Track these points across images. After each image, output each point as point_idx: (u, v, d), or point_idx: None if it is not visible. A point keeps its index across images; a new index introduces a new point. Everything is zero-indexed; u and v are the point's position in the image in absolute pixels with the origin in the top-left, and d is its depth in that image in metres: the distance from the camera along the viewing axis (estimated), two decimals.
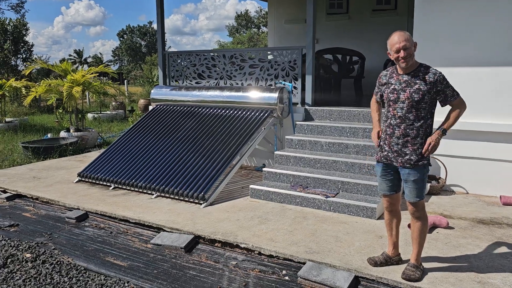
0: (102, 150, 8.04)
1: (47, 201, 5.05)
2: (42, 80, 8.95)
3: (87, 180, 5.69)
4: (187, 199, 4.80)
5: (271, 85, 6.30)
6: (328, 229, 3.90)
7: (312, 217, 4.24)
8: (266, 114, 5.70)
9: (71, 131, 8.97)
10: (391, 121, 3.00)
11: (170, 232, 4.01)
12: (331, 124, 5.51)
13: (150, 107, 7.55)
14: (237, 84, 6.62)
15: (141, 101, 16.27)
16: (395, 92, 2.97)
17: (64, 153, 7.87)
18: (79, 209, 4.71)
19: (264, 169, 5.10)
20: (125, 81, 22.92)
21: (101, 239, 4.03)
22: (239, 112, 5.94)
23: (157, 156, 5.56)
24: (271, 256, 3.49)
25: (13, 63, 19.63)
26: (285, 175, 4.96)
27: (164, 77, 7.38)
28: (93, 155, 7.72)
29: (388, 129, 3.02)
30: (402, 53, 2.88)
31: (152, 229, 4.16)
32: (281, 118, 5.85)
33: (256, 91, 5.87)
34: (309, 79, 5.93)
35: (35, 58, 17.79)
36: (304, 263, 3.31)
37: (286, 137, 5.52)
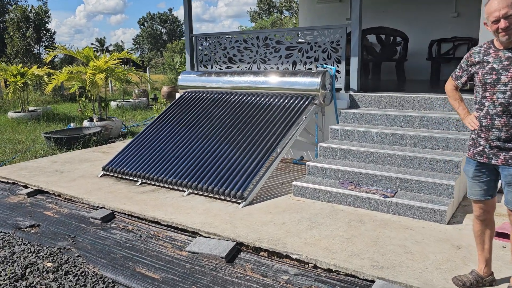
0: (127, 141, 7.61)
1: (70, 198, 4.62)
2: (64, 68, 8.55)
3: (112, 174, 5.25)
4: (223, 197, 4.29)
5: (310, 69, 5.70)
6: (392, 236, 3.33)
7: (370, 220, 3.67)
8: (307, 102, 5.12)
9: (94, 120, 8.58)
10: (489, 110, 2.39)
11: (207, 237, 3.51)
12: (382, 112, 4.89)
13: (177, 95, 7.06)
14: (272, 68, 6.04)
15: (164, 89, 15.84)
16: (494, 72, 2.36)
17: (87, 144, 7.48)
18: (104, 208, 4.26)
19: (308, 163, 4.54)
20: (147, 68, 22.56)
21: (130, 244, 3.57)
22: (277, 100, 5.37)
23: (187, 149, 5.06)
24: (329, 270, 2.95)
25: (35, 51, 19.44)
26: (332, 170, 4.38)
27: (192, 62, 6.85)
28: (118, 146, 7.29)
29: (484, 120, 2.42)
30: (502, 23, 2.27)
31: (186, 233, 3.67)
32: (323, 105, 5.25)
33: (295, 76, 5.28)
34: (354, 62, 5.30)
35: (57, 45, 17.48)
36: (372, 281, 2.75)
37: (331, 127, 4.94)
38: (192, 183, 4.49)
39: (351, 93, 5.34)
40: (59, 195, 4.75)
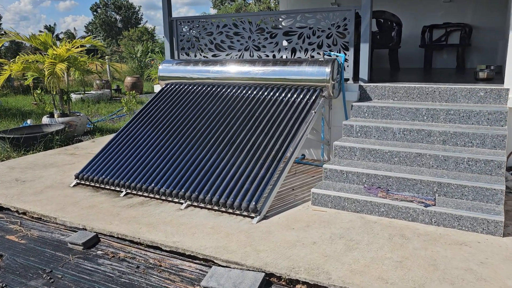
0: (98, 140, 6.70)
1: (39, 217, 3.78)
2: (18, 56, 7.45)
3: (88, 183, 4.42)
4: (231, 210, 3.60)
5: (313, 56, 5.07)
6: (450, 257, 2.79)
7: (413, 235, 3.12)
8: (315, 94, 4.49)
9: (55, 116, 7.56)
10: None
11: (225, 266, 2.83)
12: (399, 105, 4.34)
13: (156, 87, 6.23)
14: (268, 56, 5.36)
15: (128, 79, 14.75)
16: None
17: (49, 144, 6.51)
18: (85, 229, 3.46)
19: (325, 166, 3.93)
20: (106, 58, 21.17)
21: (126, 279, 2.82)
22: (279, 93, 4.70)
23: (181, 152, 4.31)
24: None
25: None
26: (355, 174, 3.80)
27: (172, 50, 6.04)
28: (87, 146, 6.38)
29: None
30: None
31: (196, 261, 2.97)
32: (332, 98, 4.65)
33: (300, 65, 4.63)
34: (365, 49, 4.72)
35: (7, 31, 15.92)
36: None
37: (344, 122, 4.34)
38: (191, 194, 3.76)
39: (361, 83, 4.76)
40: (24, 213, 3.88)
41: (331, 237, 3.11)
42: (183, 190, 3.82)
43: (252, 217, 3.50)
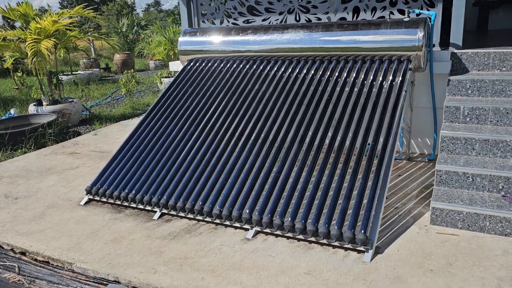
0: (101, 132, 5.49)
1: (45, 260, 2.65)
2: None
3: (105, 200, 3.28)
4: (325, 241, 2.52)
5: (382, 17, 3.91)
6: None
7: None
8: (403, 67, 3.36)
9: (44, 103, 6.30)
10: None
11: None
12: None
13: (172, 65, 5.01)
14: (320, 20, 4.18)
15: (117, 57, 13.32)
16: None
17: (41, 140, 5.29)
18: (118, 282, 2.35)
19: (439, 167, 2.85)
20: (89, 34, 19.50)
21: None
22: (352, 67, 3.55)
23: (230, 157, 3.18)
24: None
25: None
26: (486, 177, 2.73)
27: (190, 16, 4.80)
28: (88, 141, 5.18)
29: None
30: None
31: None
32: (421, 70, 3.53)
33: (379, 28, 3.47)
34: (459, 4, 3.58)
35: None
36: None
37: (446, 104, 3.25)
38: (261, 217, 2.66)
39: (454, 50, 3.64)
40: (23, 253, 2.75)
41: (500, 286, 2.07)
42: (247, 211, 2.71)
43: (358, 251, 2.42)
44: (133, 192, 3.13)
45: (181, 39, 4.33)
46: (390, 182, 3.38)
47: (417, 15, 3.68)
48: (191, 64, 4.28)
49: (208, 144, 3.33)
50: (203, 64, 4.19)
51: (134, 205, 3.16)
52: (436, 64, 3.65)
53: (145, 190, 3.12)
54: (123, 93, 8.24)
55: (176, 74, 4.19)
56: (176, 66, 4.94)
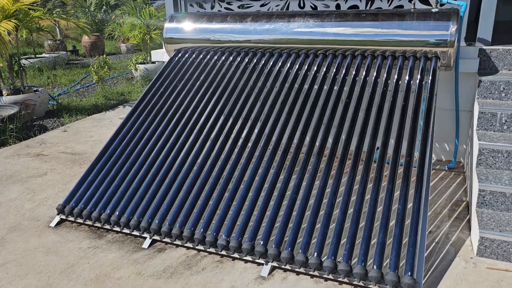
0: (72, 127, 4.82)
1: None
2: None
3: (81, 221, 2.72)
4: (361, 283, 2.07)
5: (400, 6, 3.45)
6: None
7: None
8: (433, 65, 2.92)
9: (4, 93, 5.56)
10: None
11: None
12: None
13: (156, 56, 4.40)
14: (328, 7, 3.68)
15: (86, 39, 12.38)
16: None
17: (1, 137, 4.60)
18: None
19: (482, 186, 2.44)
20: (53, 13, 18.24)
21: None
22: (372, 64, 3.08)
23: (232, 166, 2.67)
24: None
25: None
26: None
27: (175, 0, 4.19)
28: (57, 139, 4.53)
29: None
30: None
31: None
32: (450, 69, 3.10)
33: (403, 19, 3.00)
34: None
35: None
36: None
37: (481, 109, 2.84)
38: (279, 250, 2.19)
39: (483, 46, 3.23)
40: None
41: None
42: (261, 242, 2.23)
43: None
44: (117, 213, 2.58)
45: (167, 25, 3.74)
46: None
47: (441, 5, 3.23)
48: (180, 55, 3.70)
49: (206, 152, 2.81)
50: (194, 56, 3.62)
51: (118, 229, 2.61)
52: (462, 62, 3.23)
53: (131, 210, 2.58)
54: (94, 81, 7.51)
55: (163, 66, 3.61)
56: (159, 55, 4.34)
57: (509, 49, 3.15)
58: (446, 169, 3.44)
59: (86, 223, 2.72)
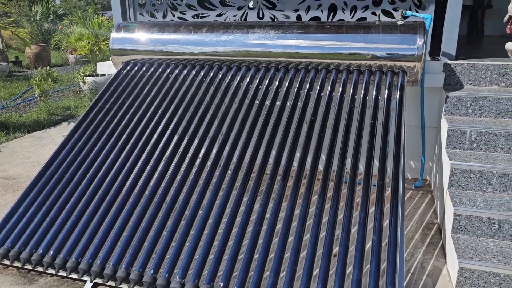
0: (10, 149, 4.31)
1: None
2: None
3: (8, 263, 2.32)
4: None
5: (363, 18, 3.31)
6: None
7: None
8: (400, 80, 2.76)
9: None
10: None
11: None
12: None
13: (99, 67, 4.04)
14: (289, 18, 3.48)
15: (29, 49, 11.62)
16: None
17: None
18: None
19: (458, 211, 2.29)
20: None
21: None
22: (337, 76, 2.89)
23: (189, 190, 2.37)
24: None
25: None
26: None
27: (124, 8, 3.85)
28: None
29: None
30: None
31: None
32: (416, 84, 2.97)
33: (368, 32, 2.84)
34: (455, 7, 3.07)
35: None
36: None
37: (450, 126, 2.71)
38: None
39: (448, 61, 3.14)
40: None
41: None
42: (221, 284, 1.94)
43: None
44: (51, 252, 2.21)
45: (114, 35, 3.40)
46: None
47: (405, 18, 3.11)
48: (128, 67, 3.36)
49: (158, 177, 2.49)
50: (144, 68, 3.30)
51: (53, 271, 2.23)
52: (427, 77, 3.12)
53: (69, 249, 2.21)
54: (36, 94, 6.94)
55: (109, 80, 3.26)
56: (105, 68, 3.98)
57: (474, 63, 3.07)
58: (413, 188, 3.30)
59: (14, 265, 2.31)
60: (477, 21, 5.91)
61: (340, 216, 2.74)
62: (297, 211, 2.45)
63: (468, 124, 2.73)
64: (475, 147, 2.70)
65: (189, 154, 2.59)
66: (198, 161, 2.54)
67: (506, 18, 3.15)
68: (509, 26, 3.11)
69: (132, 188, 2.47)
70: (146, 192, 2.45)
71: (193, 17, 3.70)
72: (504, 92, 2.88)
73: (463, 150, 2.71)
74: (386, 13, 3.25)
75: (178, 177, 2.47)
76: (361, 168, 3.44)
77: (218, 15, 3.62)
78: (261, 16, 3.53)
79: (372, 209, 2.70)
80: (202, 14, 3.67)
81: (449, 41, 3.14)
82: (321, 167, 3.57)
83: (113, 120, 2.97)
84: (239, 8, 3.54)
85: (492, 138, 2.65)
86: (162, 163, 2.58)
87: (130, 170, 2.58)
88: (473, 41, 5.19)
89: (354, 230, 2.45)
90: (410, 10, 3.18)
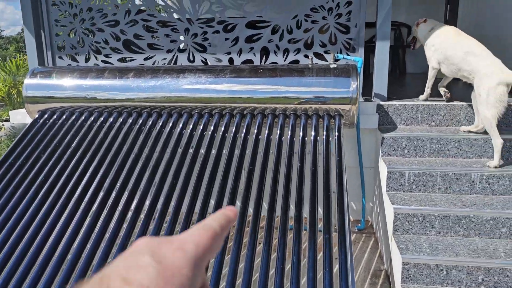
0: None
1: None
2: None
3: None
4: None
5: (296, 61, 3.28)
6: None
7: None
8: (337, 123, 2.71)
9: None
10: None
11: None
12: (452, 134, 2.88)
13: (16, 117, 3.66)
14: (220, 61, 3.37)
15: None
16: None
17: None
18: None
19: (405, 259, 2.20)
20: None
21: None
22: (273, 121, 2.78)
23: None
24: None
25: None
26: (462, 269, 2.17)
27: (41, 51, 3.54)
28: None
29: None
30: None
31: None
32: (351, 127, 2.94)
33: (302, 75, 2.79)
34: (383, 49, 3.14)
35: None
36: None
37: (388, 169, 2.69)
38: None
39: (380, 102, 3.17)
40: None
41: None
42: None
43: None
44: None
45: (28, 81, 3.06)
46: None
47: (336, 60, 3.12)
48: (46, 116, 3.03)
49: (85, 233, 2.16)
50: (64, 117, 2.99)
51: None
52: (362, 118, 3.12)
53: None
54: None
55: (23, 131, 2.90)
56: (20, 116, 3.59)
57: (405, 104, 3.12)
58: (356, 230, 3.23)
59: None
60: (399, 60, 6.25)
61: (288, 266, 2.57)
62: (241, 265, 2.24)
63: (406, 165, 2.73)
64: (414, 188, 2.68)
65: (119, 208, 2.31)
66: (130, 214, 2.27)
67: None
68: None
69: (53, 251, 2.13)
70: (69, 256, 2.12)
71: (119, 60, 3.47)
72: (436, 132, 2.93)
73: (403, 192, 2.69)
74: (318, 55, 3.26)
75: (107, 235, 2.17)
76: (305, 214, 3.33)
77: (146, 59, 3.43)
78: (191, 59, 3.38)
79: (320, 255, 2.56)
80: (128, 57, 3.46)
81: (380, 83, 3.19)
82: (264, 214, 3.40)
83: (26, 177, 2.60)
84: (168, 51, 3.38)
85: (430, 179, 2.66)
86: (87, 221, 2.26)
87: (46, 237, 2.23)
88: (397, 78, 5.45)
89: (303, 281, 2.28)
90: (341, 53, 3.21)
